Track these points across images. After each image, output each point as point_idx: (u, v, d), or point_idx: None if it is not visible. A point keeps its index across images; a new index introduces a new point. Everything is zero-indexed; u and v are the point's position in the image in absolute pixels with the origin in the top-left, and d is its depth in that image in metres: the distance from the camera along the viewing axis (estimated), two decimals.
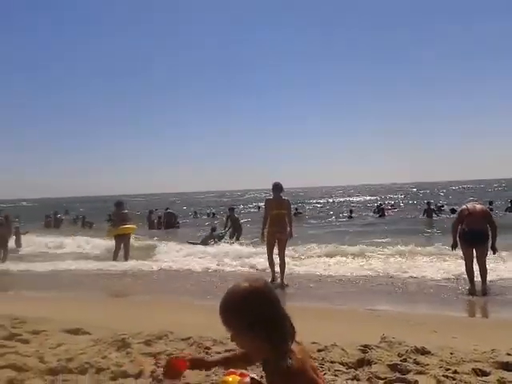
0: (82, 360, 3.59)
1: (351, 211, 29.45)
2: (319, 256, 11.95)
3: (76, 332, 4.72)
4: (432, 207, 24.50)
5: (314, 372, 1.97)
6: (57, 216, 29.40)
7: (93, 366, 3.49)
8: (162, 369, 3.35)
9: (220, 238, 16.79)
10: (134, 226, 13.89)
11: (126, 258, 13.08)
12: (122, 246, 13.28)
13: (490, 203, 24.40)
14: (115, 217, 13.92)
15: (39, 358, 3.70)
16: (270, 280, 8.79)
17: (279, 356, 1.89)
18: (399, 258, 11.01)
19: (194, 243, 16.48)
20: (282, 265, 9.17)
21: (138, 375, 3.35)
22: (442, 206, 28.61)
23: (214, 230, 17.30)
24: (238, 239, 16.58)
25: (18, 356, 3.77)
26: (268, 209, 9.26)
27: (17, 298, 8.39)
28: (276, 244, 9.27)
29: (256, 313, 1.88)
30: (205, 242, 16.23)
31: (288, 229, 9.10)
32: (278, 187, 9.24)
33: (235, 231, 17.09)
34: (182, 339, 4.30)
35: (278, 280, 9.03)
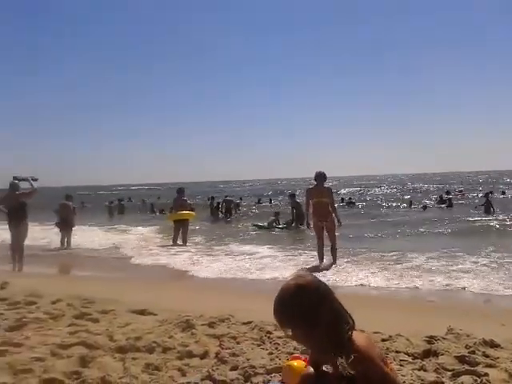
0: (150, 339, 3.71)
1: (410, 202, 28.47)
2: None
3: (142, 312, 4.89)
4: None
5: (380, 359, 1.94)
6: (121, 202, 30.26)
7: (160, 345, 3.60)
8: (226, 350, 3.44)
9: (288, 224, 17.37)
10: (192, 213, 14.25)
11: (184, 243, 13.48)
12: (181, 231, 13.70)
13: None
14: (175, 203, 14.36)
15: (109, 337, 3.86)
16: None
17: (340, 347, 1.87)
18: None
19: (260, 226, 17.36)
20: (334, 252, 9.22)
21: (203, 356, 3.43)
22: None
23: (277, 214, 18.35)
24: (301, 225, 16.74)
25: (89, 334, 3.95)
26: (308, 198, 9.39)
27: (83, 279, 8.78)
28: (325, 232, 9.30)
29: (307, 309, 1.86)
30: (270, 225, 17.34)
31: (333, 216, 9.17)
32: (319, 176, 9.28)
33: (298, 217, 17.24)
34: (244, 323, 4.36)
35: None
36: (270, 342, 3.74)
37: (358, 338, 1.93)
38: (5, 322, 4.40)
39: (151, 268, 10.27)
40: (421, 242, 13.35)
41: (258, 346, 3.68)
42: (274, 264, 9.82)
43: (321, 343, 1.91)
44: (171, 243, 13.55)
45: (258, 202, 32.54)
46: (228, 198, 26.21)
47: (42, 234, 15.98)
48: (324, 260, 9.32)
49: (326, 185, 9.47)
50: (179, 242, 13.58)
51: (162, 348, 3.57)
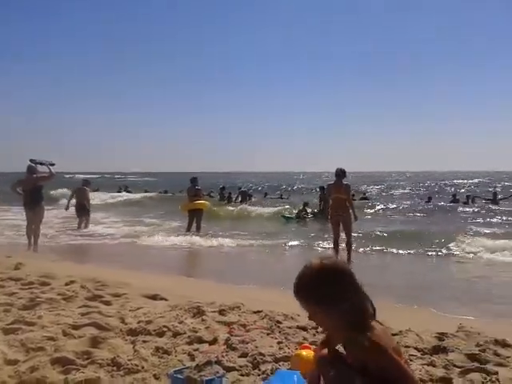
0: (160, 323, 3.75)
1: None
2: None
3: (154, 297, 4.94)
4: None
5: (396, 352, 1.90)
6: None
7: (170, 330, 3.64)
8: (235, 337, 3.46)
9: (314, 214, 17.57)
10: (207, 202, 14.30)
11: (197, 230, 13.54)
12: (195, 220, 13.75)
13: None
14: (188, 192, 14.40)
15: (120, 319, 3.92)
16: None
17: (358, 332, 1.85)
18: None
19: (288, 217, 17.55)
20: (348, 245, 9.53)
21: (213, 342, 3.45)
22: None
23: (306, 204, 18.51)
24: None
25: (101, 316, 4.01)
26: (327, 193, 10.07)
27: (100, 263, 8.86)
28: (341, 226, 9.59)
29: (330, 290, 1.86)
30: (298, 216, 17.48)
31: (350, 211, 9.49)
32: (337, 173, 9.64)
33: (326, 210, 17.29)
34: (254, 312, 4.37)
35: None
36: (280, 332, 3.75)
37: (377, 327, 1.90)
38: (19, 301, 4.49)
39: (164, 254, 10.31)
40: None
41: (268, 334, 3.69)
42: (289, 255, 9.83)
43: (339, 323, 1.90)
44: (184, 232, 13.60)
45: (265, 196, 31.55)
46: (243, 189, 26.18)
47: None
48: (338, 255, 9.44)
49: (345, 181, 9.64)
50: (193, 230, 13.64)
51: (173, 332, 3.61)
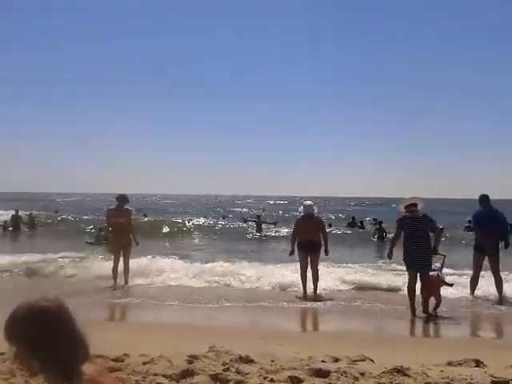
0: None
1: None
2: None
3: None
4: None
5: None
6: None
7: None
8: None
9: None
10: None
11: None
12: None
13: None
14: None
15: None
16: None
17: (65, 376, 1.78)
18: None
19: (90, 243, 17.29)
20: (126, 273, 9.52)
21: None
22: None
23: (101, 229, 17.73)
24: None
25: None
26: (107, 218, 9.95)
27: None
28: (122, 252, 9.53)
29: (37, 333, 1.77)
30: (98, 241, 17.08)
31: (131, 236, 9.69)
32: (120, 198, 9.75)
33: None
34: None
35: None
36: (22, 375, 3.43)
37: (88, 372, 1.87)
38: None
39: None
40: None
41: (6, 379, 3.35)
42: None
43: (46, 369, 1.82)
44: None
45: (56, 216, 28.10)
46: (19, 214, 21.77)
47: None
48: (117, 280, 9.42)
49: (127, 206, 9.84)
50: None
51: None
